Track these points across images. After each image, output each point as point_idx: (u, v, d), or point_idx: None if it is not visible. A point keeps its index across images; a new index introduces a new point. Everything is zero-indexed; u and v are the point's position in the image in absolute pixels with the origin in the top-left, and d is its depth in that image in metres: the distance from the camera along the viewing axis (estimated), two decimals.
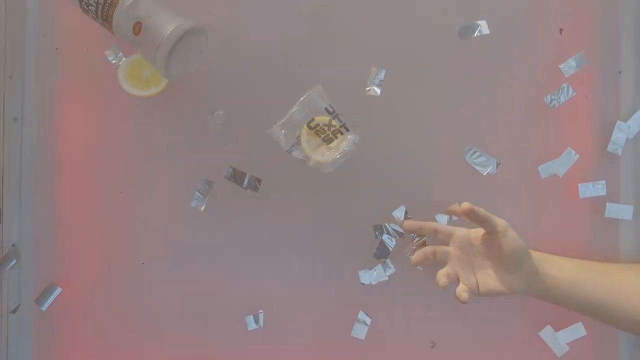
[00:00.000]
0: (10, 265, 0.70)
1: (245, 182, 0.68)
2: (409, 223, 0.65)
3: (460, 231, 0.64)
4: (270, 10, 0.69)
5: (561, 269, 0.63)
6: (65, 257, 0.71)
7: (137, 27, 0.60)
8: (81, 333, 0.71)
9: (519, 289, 0.62)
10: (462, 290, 0.60)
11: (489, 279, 0.62)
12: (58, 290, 0.70)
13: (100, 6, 0.61)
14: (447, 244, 0.65)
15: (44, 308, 0.70)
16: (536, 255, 0.64)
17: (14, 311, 0.71)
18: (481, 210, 0.60)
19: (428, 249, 0.64)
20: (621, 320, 0.61)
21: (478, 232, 0.64)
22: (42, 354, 0.71)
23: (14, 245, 0.71)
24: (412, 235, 0.67)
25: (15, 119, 0.71)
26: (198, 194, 0.69)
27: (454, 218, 0.68)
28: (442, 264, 0.64)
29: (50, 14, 0.70)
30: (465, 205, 0.60)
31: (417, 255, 0.64)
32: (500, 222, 0.61)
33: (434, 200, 0.68)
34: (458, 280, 0.62)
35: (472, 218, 0.61)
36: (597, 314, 0.62)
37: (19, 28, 0.71)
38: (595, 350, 0.68)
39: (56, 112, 0.71)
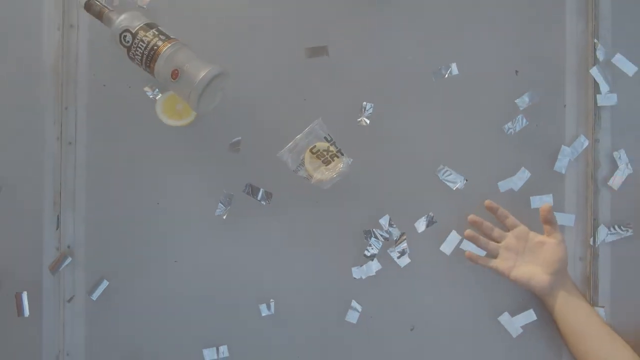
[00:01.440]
0: (67, 263, 0.85)
1: (260, 195, 0.83)
2: (490, 202, 0.80)
3: (523, 227, 0.79)
4: (279, 55, 0.84)
5: (574, 306, 0.76)
6: (112, 255, 0.85)
7: (175, 73, 0.75)
8: (125, 318, 0.85)
9: (542, 290, 0.76)
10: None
11: (524, 269, 0.77)
12: (106, 283, 0.84)
13: (144, 57, 0.76)
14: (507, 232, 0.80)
15: (94, 298, 0.84)
16: (570, 281, 0.78)
17: (69, 300, 0.85)
18: (554, 215, 0.77)
19: (489, 224, 0.80)
20: None
21: (536, 235, 0.78)
22: (92, 335, 0.85)
23: (69, 246, 0.86)
24: (395, 238, 0.83)
25: (70, 142, 0.85)
26: (221, 204, 0.83)
27: (434, 222, 0.83)
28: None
29: (100, 57, 0.85)
30: (547, 206, 0.76)
31: (473, 217, 0.80)
32: (560, 232, 0.77)
33: (413, 211, 0.83)
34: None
35: (546, 217, 0.76)
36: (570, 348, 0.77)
37: (73, 68, 0.85)
38: (543, 332, 0.82)
39: (104, 137, 0.85)
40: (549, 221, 0.77)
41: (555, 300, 0.77)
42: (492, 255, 0.80)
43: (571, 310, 0.76)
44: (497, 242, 0.80)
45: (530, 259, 0.78)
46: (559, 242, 0.77)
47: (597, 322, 0.75)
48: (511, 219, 0.80)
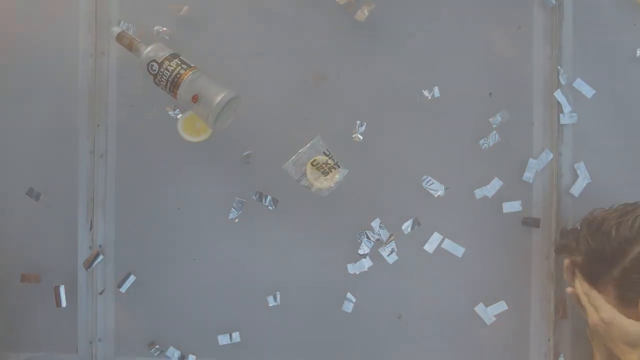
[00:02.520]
0: (99, 260, 0.96)
1: (267, 201, 0.95)
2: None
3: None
4: (284, 80, 0.96)
5: None
6: (138, 254, 0.97)
7: (195, 98, 0.88)
8: (149, 308, 0.97)
9: None
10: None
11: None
12: (133, 278, 0.96)
13: (169, 83, 0.88)
14: None
15: (122, 290, 0.96)
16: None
17: (101, 293, 0.97)
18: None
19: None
20: None
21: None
22: (121, 323, 0.97)
23: (100, 246, 0.97)
24: (385, 239, 0.95)
25: (101, 155, 0.97)
26: (233, 209, 0.95)
27: (419, 225, 0.95)
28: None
29: (127, 81, 0.97)
30: None
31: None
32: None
33: (400, 215, 0.95)
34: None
35: None
36: None
37: (104, 90, 0.97)
38: (513, 320, 0.94)
39: (131, 150, 0.97)
40: None
41: None
42: None
43: None
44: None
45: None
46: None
47: None
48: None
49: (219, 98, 0.86)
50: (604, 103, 0.94)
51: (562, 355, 0.93)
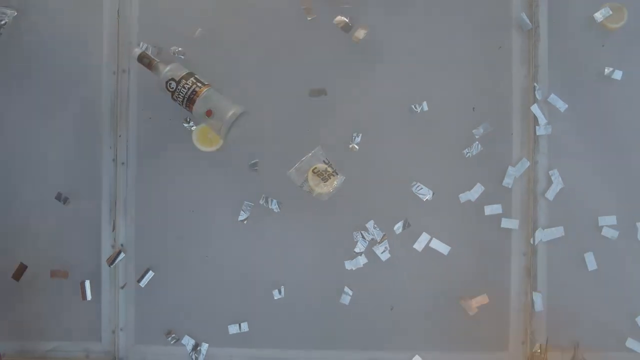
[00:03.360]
0: (120, 258, 1.06)
1: (273, 204, 1.06)
2: None
3: None
4: (288, 96, 1.06)
5: None
6: (156, 252, 1.07)
7: (209, 112, 0.98)
8: (166, 301, 1.06)
9: None
10: None
11: None
12: (151, 274, 1.06)
13: (185, 99, 0.98)
14: None
15: (142, 285, 1.06)
16: None
17: (122, 287, 1.07)
18: None
19: None
20: None
21: None
22: (141, 315, 1.07)
23: (122, 245, 1.07)
24: (378, 238, 1.05)
25: (122, 163, 1.07)
26: (242, 212, 1.06)
27: (409, 226, 1.05)
28: None
29: (146, 95, 1.06)
30: None
31: None
32: None
33: (392, 217, 1.05)
34: None
35: None
36: None
37: (125, 104, 1.06)
38: (494, 312, 1.04)
39: (149, 158, 1.07)
40: None
41: None
42: None
43: None
44: None
45: None
46: None
47: None
48: None
49: (230, 113, 0.96)
50: (575, 116, 1.05)
51: (538, 343, 1.03)
